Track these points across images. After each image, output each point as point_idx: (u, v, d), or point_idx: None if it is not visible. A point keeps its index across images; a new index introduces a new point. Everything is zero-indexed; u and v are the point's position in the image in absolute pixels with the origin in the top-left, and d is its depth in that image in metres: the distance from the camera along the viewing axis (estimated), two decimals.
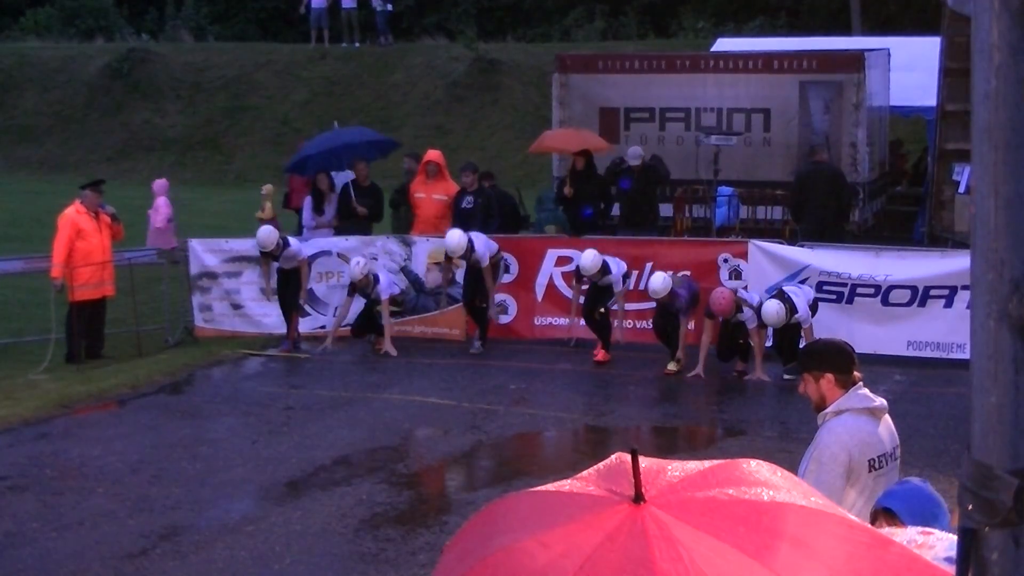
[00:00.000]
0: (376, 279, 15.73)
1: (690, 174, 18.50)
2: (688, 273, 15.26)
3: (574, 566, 2.62)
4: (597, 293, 15.24)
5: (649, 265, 15.91)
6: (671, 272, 14.86)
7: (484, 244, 15.66)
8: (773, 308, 13.92)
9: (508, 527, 2.85)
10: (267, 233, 15.89)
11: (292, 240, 16.10)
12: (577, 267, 15.19)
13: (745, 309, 14.25)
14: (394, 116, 34.81)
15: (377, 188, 18.05)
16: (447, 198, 17.48)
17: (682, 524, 2.65)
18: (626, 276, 15.38)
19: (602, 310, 15.15)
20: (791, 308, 13.97)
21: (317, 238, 17.40)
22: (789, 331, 14.08)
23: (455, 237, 15.35)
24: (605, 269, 14.98)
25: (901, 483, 4.94)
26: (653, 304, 14.86)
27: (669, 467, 2.89)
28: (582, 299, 15.43)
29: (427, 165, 17.72)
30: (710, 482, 2.82)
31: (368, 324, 16.04)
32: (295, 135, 30.36)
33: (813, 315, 14.17)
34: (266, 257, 16.08)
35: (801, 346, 12.97)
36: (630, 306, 15.64)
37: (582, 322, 15.38)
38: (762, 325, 14.25)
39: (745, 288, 14.95)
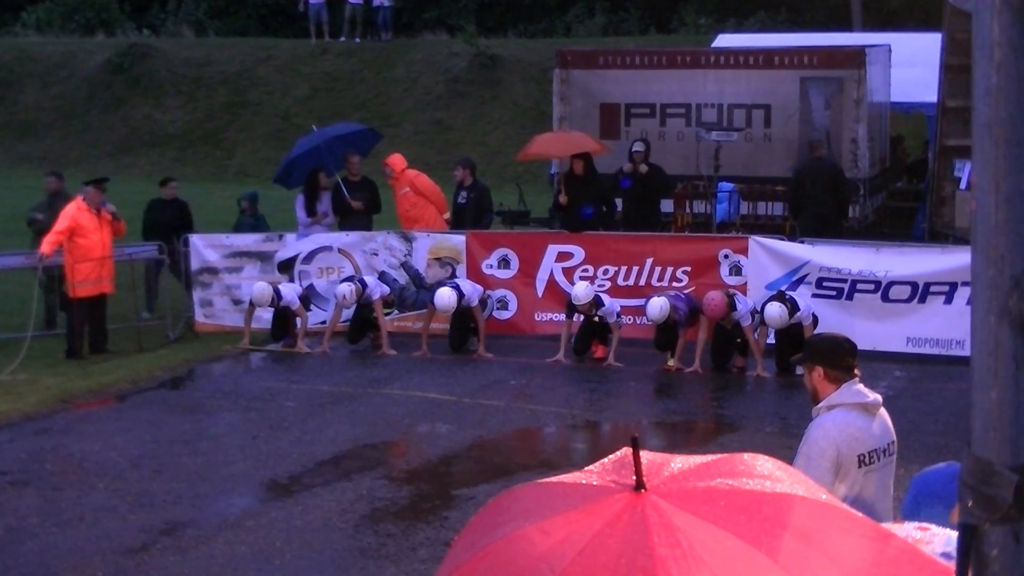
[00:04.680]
0: (363, 285, 15.74)
1: (691, 170, 18.48)
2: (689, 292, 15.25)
3: (573, 552, 2.64)
4: (590, 330, 15.23)
5: (649, 261, 15.90)
6: (667, 294, 14.82)
7: (472, 287, 15.71)
8: (776, 311, 13.94)
9: (511, 517, 2.88)
10: (261, 291, 15.82)
11: (284, 291, 15.96)
12: (569, 300, 15.16)
13: (739, 307, 14.26)
14: (395, 112, 34.80)
15: (370, 181, 18.05)
16: (408, 189, 17.63)
17: (682, 512, 2.66)
18: (619, 314, 15.28)
19: (599, 316, 15.09)
20: (792, 307, 13.98)
21: (317, 234, 17.41)
22: (791, 334, 14.04)
23: (445, 297, 15.27)
24: (598, 302, 14.95)
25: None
26: (653, 298, 14.81)
27: (673, 460, 2.91)
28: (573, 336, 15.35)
29: (384, 168, 17.95)
30: (712, 473, 2.84)
31: (361, 328, 16.05)
32: (296, 131, 30.34)
33: (815, 327, 14.09)
34: (251, 307, 16.11)
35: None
36: (629, 302, 15.62)
37: (566, 359, 15.23)
38: (762, 323, 14.27)
39: (743, 287, 14.98)
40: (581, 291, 14.90)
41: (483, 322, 15.68)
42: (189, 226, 17.89)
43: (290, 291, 16.02)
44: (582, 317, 15.12)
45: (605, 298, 15.09)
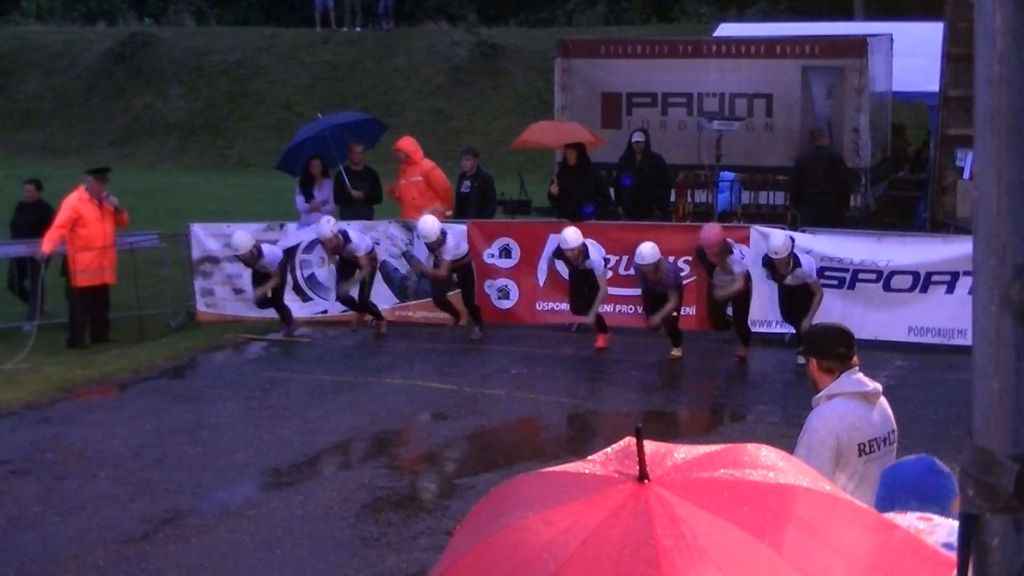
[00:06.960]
0: (346, 238, 15.69)
1: (692, 159, 18.46)
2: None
3: (577, 542, 2.64)
4: (580, 284, 15.21)
5: None
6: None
7: (455, 240, 15.60)
8: (780, 237, 13.93)
9: (515, 506, 2.88)
10: (241, 238, 15.77)
11: (266, 249, 15.90)
12: (557, 245, 15.08)
13: (735, 252, 14.23)
14: (396, 101, 34.77)
15: (372, 171, 17.99)
16: (421, 178, 17.53)
17: (685, 503, 2.67)
18: (606, 259, 15.28)
19: (586, 267, 15.09)
20: (795, 261, 13.90)
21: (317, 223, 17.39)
22: (797, 301, 14.02)
23: (429, 223, 15.30)
24: (585, 252, 14.87)
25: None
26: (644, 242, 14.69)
27: (676, 450, 2.92)
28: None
29: (396, 154, 17.84)
30: (716, 463, 2.84)
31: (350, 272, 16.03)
32: (297, 120, 30.34)
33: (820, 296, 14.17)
34: (244, 262, 16.07)
35: (808, 314, 13.59)
36: (630, 291, 15.60)
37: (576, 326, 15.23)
38: (773, 272, 14.18)
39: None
40: (571, 235, 14.74)
41: (471, 300, 15.72)
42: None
43: (271, 253, 15.92)
44: (568, 271, 15.06)
45: (592, 250, 14.94)
